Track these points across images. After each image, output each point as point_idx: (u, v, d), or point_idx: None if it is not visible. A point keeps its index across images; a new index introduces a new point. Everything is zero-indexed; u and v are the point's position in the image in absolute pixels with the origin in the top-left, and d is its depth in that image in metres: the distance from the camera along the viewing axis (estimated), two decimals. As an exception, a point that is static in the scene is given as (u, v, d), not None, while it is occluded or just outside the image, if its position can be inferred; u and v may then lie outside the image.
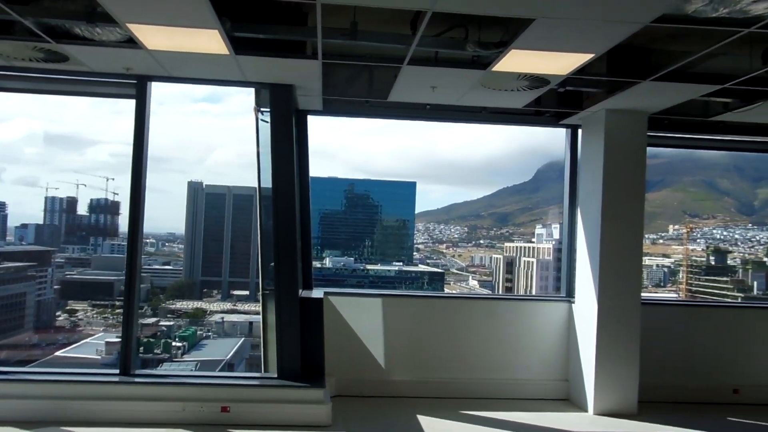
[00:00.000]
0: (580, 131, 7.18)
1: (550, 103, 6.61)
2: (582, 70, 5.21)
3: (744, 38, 4.46)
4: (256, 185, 6.77)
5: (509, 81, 5.50)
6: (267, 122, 6.15)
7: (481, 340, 6.98)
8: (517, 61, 4.92)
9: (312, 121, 7.05)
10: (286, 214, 5.97)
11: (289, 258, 5.98)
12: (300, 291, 6.43)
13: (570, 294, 7.20)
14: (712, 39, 4.49)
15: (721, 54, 5.07)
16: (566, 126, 7.29)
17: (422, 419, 6.00)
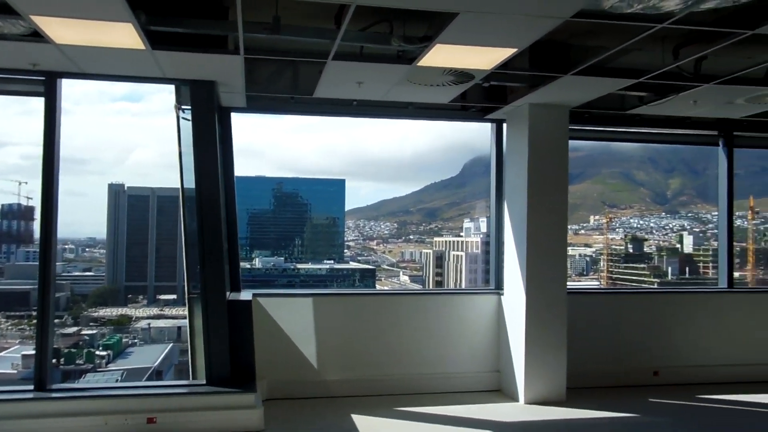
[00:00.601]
0: (504, 125, 7.29)
1: (475, 98, 6.67)
2: (505, 64, 5.28)
3: (657, 34, 4.61)
4: (179, 186, 6.55)
5: (435, 76, 5.50)
6: (189, 120, 5.94)
7: (413, 336, 7.00)
8: (442, 55, 4.92)
9: (236, 118, 6.87)
10: (210, 214, 5.78)
11: (215, 260, 5.80)
12: (228, 293, 6.25)
13: (499, 286, 7.32)
14: (628, 34, 4.62)
15: (636, 49, 5.23)
16: (491, 120, 7.39)
17: (356, 418, 5.95)
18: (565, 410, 6.28)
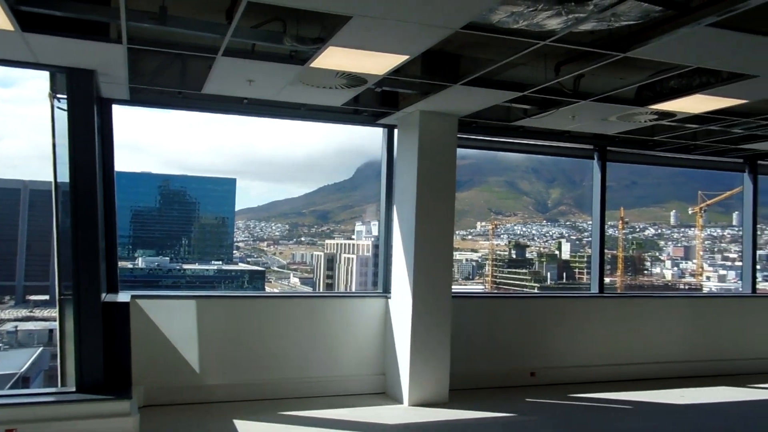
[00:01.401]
0: (396, 131, 7.39)
1: (367, 102, 6.71)
2: (398, 71, 5.35)
3: (540, 51, 4.84)
4: (53, 179, 6.13)
5: (327, 78, 5.48)
6: (64, 110, 5.56)
7: (301, 339, 6.92)
8: (335, 58, 4.91)
9: (119, 111, 6.53)
10: (86, 210, 5.44)
11: (90, 259, 5.46)
12: (104, 295, 5.91)
13: (387, 290, 7.40)
14: (513, 49, 4.81)
15: (521, 64, 5.48)
16: (383, 125, 7.47)
17: (239, 423, 5.80)
18: (448, 411, 6.43)
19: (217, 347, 6.62)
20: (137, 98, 6.44)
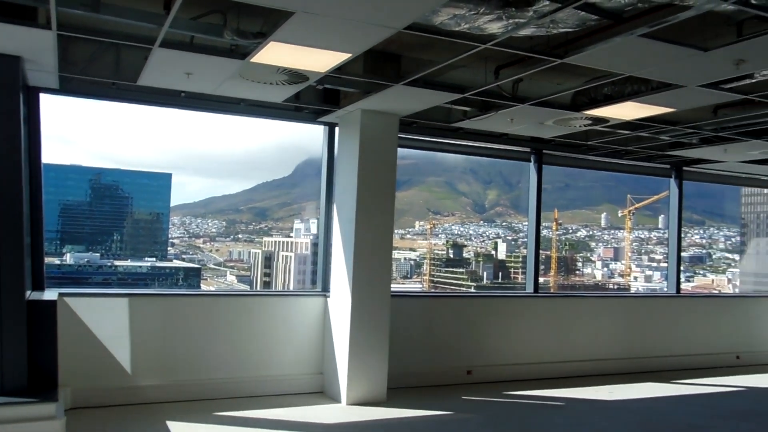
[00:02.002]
0: (337, 129, 7.36)
1: (309, 100, 6.66)
2: (340, 69, 5.32)
3: (481, 54, 4.91)
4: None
5: (268, 74, 5.40)
6: (-13, 98, 5.28)
7: (237, 338, 6.81)
8: (276, 54, 4.84)
9: (48, 100, 6.25)
10: (9, 203, 5.18)
11: (14, 255, 5.20)
12: (28, 293, 5.65)
13: (326, 288, 7.36)
14: (455, 51, 4.86)
15: (462, 66, 5.55)
16: (324, 123, 7.42)
17: (172, 425, 5.65)
18: (385, 410, 6.45)
19: (150, 347, 6.43)
20: (67, 88, 6.19)
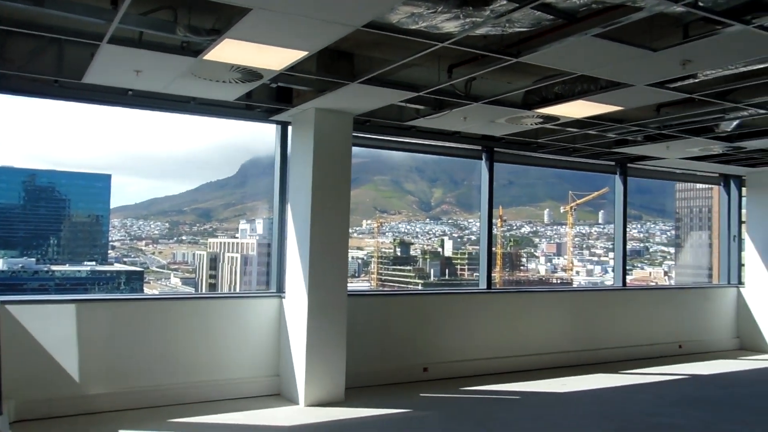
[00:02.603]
0: (290, 128, 7.27)
1: (261, 98, 6.55)
2: (294, 66, 5.26)
3: (435, 53, 4.93)
4: None
5: (221, 72, 5.29)
6: None
7: (192, 342, 6.65)
8: (230, 51, 4.74)
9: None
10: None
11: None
12: (-33, 301, 5.38)
13: (281, 289, 7.26)
14: (410, 50, 4.87)
15: (416, 65, 5.57)
16: (277, 122, 7.32)
17: (125, 435, 5.48)
18: (344, 410, 6.42)
19: (99, 354, 6.21)
20: (5, 85, 5.90)
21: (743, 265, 11.23)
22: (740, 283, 11.24)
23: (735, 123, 7.52)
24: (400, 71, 5.77)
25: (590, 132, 7.84)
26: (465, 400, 7.06)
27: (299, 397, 6.60)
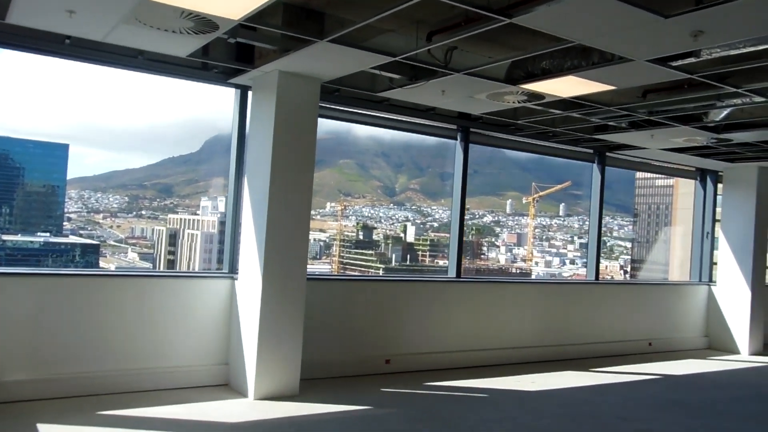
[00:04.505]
0: (250, 93, 6.59)
1: (218, 56, 5.87)
2: (257, 20, 4.62)
3: (415, 18, 4.43)
4: None
5: (170, 18, 4.59)
6: None
7: (130, 325, 5.97)
8: (179, -9, 4.07)
9: None
10: None
11: None
12: None
13: (233, 270, 6.62)
14: (383, 9, 4.30)
15: (391, 30, 5.02)
16: (236, 86, 6.64)
17: (43, 428, 4.80)
18: (297, 405, 5.83)
19: (21, 336, 5.49)
20: None
21: (715, 263, 10.95)
22: (711, 281, 10.98)
23: (725, 113, 7.14)
24: (375, 36, 5.17)
25: (573, 114, 7.36)
26: (429, 398, 6.54)
27: (249, 389, 5.99)
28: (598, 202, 9.69)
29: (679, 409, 6.60)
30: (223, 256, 6.95)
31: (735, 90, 5.80)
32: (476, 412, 6.06)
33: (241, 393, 6.08)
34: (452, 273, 8.19)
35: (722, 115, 7.18)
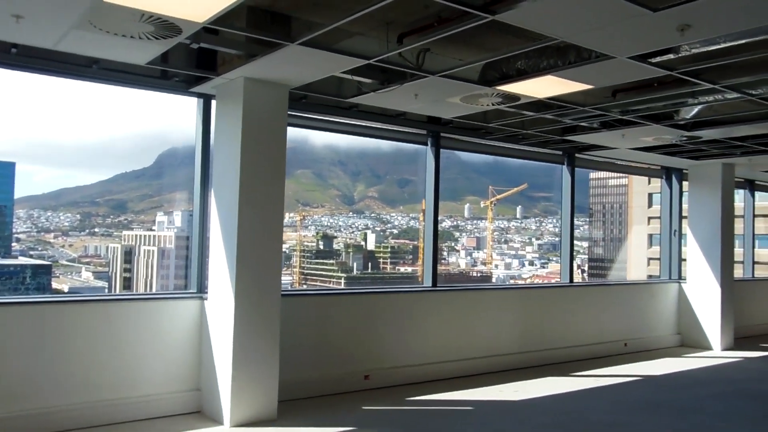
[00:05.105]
0: (214, 102, 6.26)
1: (179, 63, 5.54)
2: (221, 24, 4.34)
3: (385, 20, 4.29)
4: None
5: (128, 22, 4.26)
6: None
7: (91, 354, 5.55)
8: (139, -9, 3.76)
9: None
10: None
11: None
12: None
13: (202, 289, 6.27)
14: (352, 12, 4.08)
15: (361, 34, 4.83)
16: (199, 95, 6.31)
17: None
18: (277, 431, 5.50)
19: (-27, 371, 5.04)
20: None
21: (684, 260, 11.02)
22: (681, 278, 11.03)
23: (696, 110, 7.13)
24: (345, 40, 4.94)
25: (546, 116, 7.24)
26: (413, 414, 6.28)
27: (224, 415, 5.64)
28: (569, 203, 9.62)
29: (665, 411, 6.50)
30: (185, 275, 6.58)
31: (712, 86, 5.74)
32: (463, 427, 5.83)
33: (216, 420, 5.72)
34: (428, 282, 7.96)
35: (693, 112, 7.18)
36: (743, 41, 4.65)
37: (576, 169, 9.72)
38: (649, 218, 36.88)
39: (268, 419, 5.75)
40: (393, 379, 7.25)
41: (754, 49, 4.87)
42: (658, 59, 5.04)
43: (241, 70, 5.47)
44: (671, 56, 5.00)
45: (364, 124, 7.50)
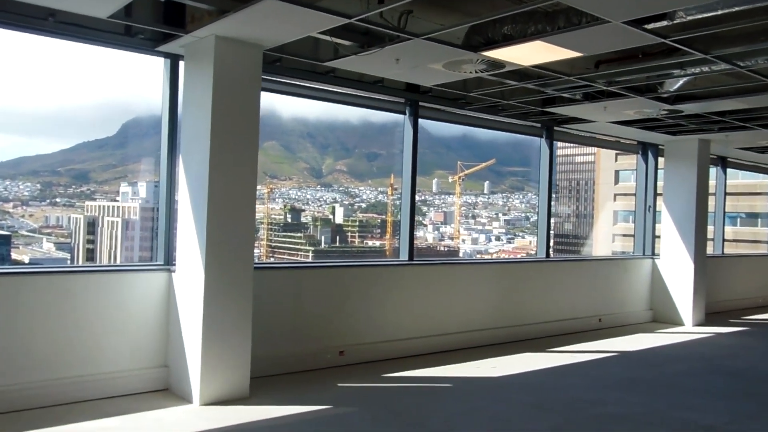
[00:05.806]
0: (182, 63, 5.88)
1: (145, 18, 5.14)
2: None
3: None
4: None
5: (89, -32, 3.88)
6: None
7: (55, 329, 5.21)
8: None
9: None
10: None
11: None
12: None
13: (169, 261, 5.95)
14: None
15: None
16: (165, 55, 5.91)
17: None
18: (249, 409, 5.26)
19: None
20: None
21: (658, 236, 11.00)
22: (654, 254, 11.03)
23: (680, 83, 6.98)
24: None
25: (528, 86, 7.03)
26: (391, 391, 6.10)
27: (193, 393, 5.37)
28: (546, 176, 9.46)
29: (643, 389, 6.44)
30: (154, 244, 6.25)
31: (703, 56, 5.57)
32: (443, 405, 5.67)
33: (185, 398, 5.45)
34: (404, 256, 7.75)
35: (677, 85, 7.03)
36: (739, 8, 4.50)
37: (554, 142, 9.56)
38: (615, 195, 37.32)
39: (240, 397, 5.50)
40: (369, 354, 7.06)
41: (750, 16, 4.72)
42: (652, 25, 4.85)
43: (212, 27, 5.10)
44: (665, 23, 4.81)
45: (340, 90, 7.18)
